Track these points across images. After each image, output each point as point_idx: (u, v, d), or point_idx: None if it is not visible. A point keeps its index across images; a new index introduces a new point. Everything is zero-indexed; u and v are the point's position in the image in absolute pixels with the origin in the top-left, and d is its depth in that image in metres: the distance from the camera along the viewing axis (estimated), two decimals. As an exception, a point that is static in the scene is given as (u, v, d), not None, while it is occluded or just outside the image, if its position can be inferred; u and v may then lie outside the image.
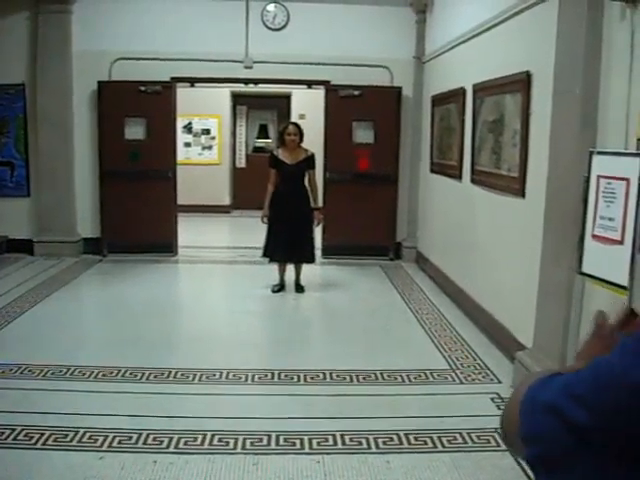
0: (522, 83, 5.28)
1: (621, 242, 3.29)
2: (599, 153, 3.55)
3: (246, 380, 4.92)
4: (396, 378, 5.01)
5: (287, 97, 14.22)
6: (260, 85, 10.75)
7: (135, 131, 9.08)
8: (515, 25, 5.59)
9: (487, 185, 6.24)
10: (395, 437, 4.00)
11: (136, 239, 9.17)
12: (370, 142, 9.31)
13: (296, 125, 7.39)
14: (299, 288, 7.57)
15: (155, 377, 4.91)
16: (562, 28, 4.35)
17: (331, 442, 3.93)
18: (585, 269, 3.61)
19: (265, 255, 7.43)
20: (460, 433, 4.07)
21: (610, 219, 3.37)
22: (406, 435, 4.02)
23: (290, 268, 7.58)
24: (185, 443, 3.86)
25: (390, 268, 9.03)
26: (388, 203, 9.41)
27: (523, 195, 5.30)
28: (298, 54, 9.12)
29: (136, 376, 4.91)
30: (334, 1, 9.12)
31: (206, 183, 14.17)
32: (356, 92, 9.14)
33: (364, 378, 4.99)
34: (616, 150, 3.63)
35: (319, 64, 9.17)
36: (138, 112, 8.99)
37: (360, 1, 9.14)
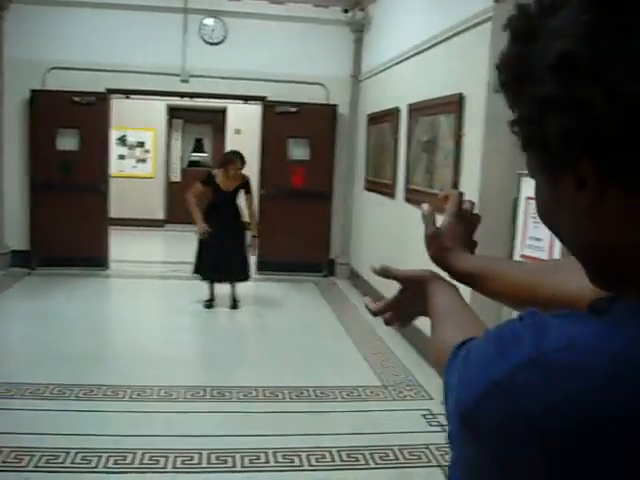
0: (455, 105, 5.40)
1: (548, 262, 3.38)
2: (528, 175, 3.65)
3: (177, 397, 4.86)
4: (328, 395, 5.02)
5: (223, 111, 14.19)
6: (196, 99, 10.71)
7: (68, 142, 8.90)
8: (450, 48, 5.73)
9: (420, 204, 6.32)
10: (327, 454, 4.01)
11: (67, 252, 8.97)
12: (305, 159, 9.35)
13: (242, 159, 7.30)
14: (234, 304, 7.52)
15: (84, 394, 4.80)
16: (495, 52, 4.47)
17: (263, 459, 3.92)
18: (514, 288, 3.70)
19: (197, 272, 7.39)
20: (392, 449, 4.11)
21: (538, 239, 3.47)
22: (338, 452, 4.04)
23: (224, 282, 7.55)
24: (115, 462, 3.79)
25: (323, 285, 9.07)
26: (322, 220, 9.46)
27: (455, 214, 5.39)
28: (235, 69, 9.12)
29: (64, 393, 4.80)
30: (273, 18, 9.17)
31: (140, 196, 14.01)
32: (293, 109, 9.18)
33: (296, 395, 4.99)
34: (544, 173, 3.74)
35: (256, 80, 9.18)
36: (71, 123, 8.82)
37: (298, 19, 9.21)
